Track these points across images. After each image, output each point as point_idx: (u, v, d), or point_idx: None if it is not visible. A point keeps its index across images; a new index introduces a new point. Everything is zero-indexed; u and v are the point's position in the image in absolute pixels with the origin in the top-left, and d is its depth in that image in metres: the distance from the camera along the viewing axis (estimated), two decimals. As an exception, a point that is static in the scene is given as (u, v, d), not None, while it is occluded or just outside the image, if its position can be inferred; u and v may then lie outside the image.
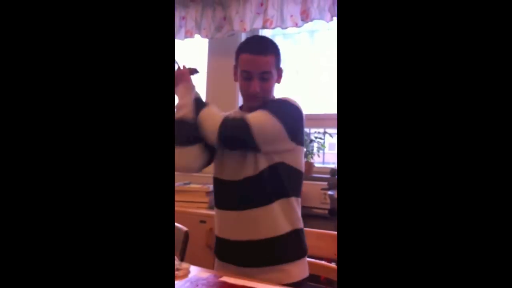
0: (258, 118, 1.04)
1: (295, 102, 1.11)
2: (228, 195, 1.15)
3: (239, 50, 1.13)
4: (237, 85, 1.17)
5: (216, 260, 1.22)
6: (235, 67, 1.16)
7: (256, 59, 1.07)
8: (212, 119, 1.09)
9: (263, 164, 1.08)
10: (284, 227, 1.11)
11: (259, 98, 1.10)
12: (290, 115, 1.08)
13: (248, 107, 1.15)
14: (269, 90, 1.11)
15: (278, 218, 1.10)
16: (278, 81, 1.16)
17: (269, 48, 1.09)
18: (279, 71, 1.15)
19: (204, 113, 1.11)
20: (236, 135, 1.05)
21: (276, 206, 1.10)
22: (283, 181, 1.10)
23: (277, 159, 1.09)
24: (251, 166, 1.09)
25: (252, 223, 1.10)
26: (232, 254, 1.15)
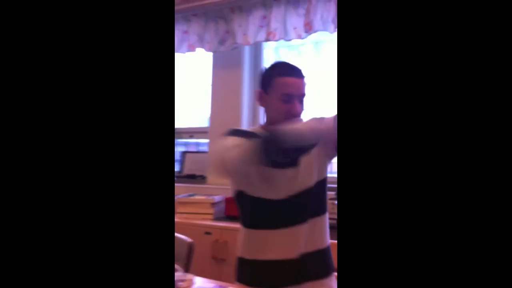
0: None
1: None
2: (275, 213, 1.13)
3: (275, 74, 1.13)
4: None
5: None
6: (264, 92, 1.16)
7: (298, 82, 1.12)
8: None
9: (313, 180, 1.13)
10: (326, 241, 1.17)
11: (297, 120, 1.12)
12: None
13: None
14: (303, 111, 1.15)
15: (324, 232, 1.16)
16: None
17: (302, 72, 1.15)
18: None
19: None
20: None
21: (320, 221, 1.15)
22: (325, 196, 1.17)
23: (323, 174, 1.16)
24: (303, 182, 1.13)
25: (300, 238, 1.12)
26: (267, 275, 1.12)
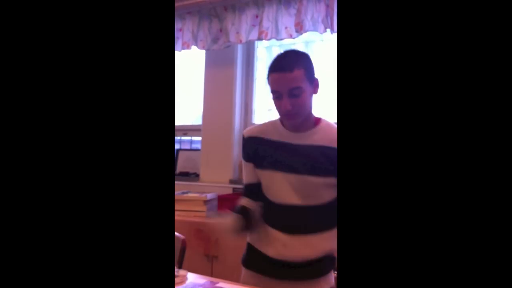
0: None
1: None
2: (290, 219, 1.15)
3: (268, 71, 1.09)
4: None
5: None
6: None
7: (282, 77, 1.04)
8: None
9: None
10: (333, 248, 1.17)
11: (293, 115, 1.08)
12: None
13: (289, 124, 1.13)
14: (302, 104, 1.07)
15: (333, 241, 1.14)
16: (315, 92, 1.12)
17: (293, 63, 1.04)
18: (315, 82, 1.11)
19: None
20: None
21: (332, 232, 1.14)
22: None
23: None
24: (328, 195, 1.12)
25: (309, 245, 1.13)
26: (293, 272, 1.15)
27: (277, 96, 1.06)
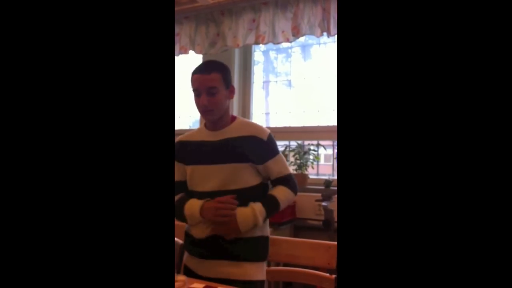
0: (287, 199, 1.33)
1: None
2: None
3: (191, 73, 1.29)
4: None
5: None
6: None
7: (200, 77, 1.25)
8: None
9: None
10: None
11: (209, 111, 1.26)
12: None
13: (208, 123, 1.33)
14: (217, 103, 1.26)
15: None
16: (231, 97, 1.32)
17: (211, 68, 1.26)
18: (230, 88, 1.31)
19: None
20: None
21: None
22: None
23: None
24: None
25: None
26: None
27: (197, 94, 1.27)
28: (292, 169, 1.90)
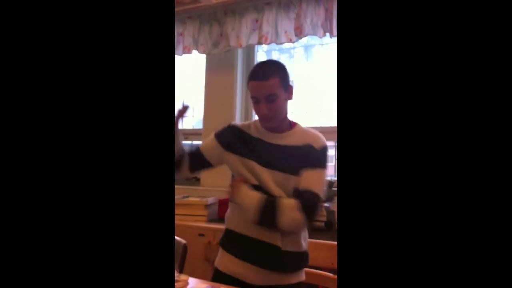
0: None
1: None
2: None
3: (248, 79, 1.23)
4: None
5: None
6: None
7: (259, 85, 1.18)
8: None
9: None
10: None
11: (270, 118, 1.21)
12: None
13: (266, 126, 1.27)
14: (278, 109, 1.21)
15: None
16: (290, 98, 1.26)
17: (270, 73, 1.19)
18: (289, 89, 1.25)
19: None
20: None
21: None
22: None
23: None
24: None
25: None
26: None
27: (256, 101, 1.21)
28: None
